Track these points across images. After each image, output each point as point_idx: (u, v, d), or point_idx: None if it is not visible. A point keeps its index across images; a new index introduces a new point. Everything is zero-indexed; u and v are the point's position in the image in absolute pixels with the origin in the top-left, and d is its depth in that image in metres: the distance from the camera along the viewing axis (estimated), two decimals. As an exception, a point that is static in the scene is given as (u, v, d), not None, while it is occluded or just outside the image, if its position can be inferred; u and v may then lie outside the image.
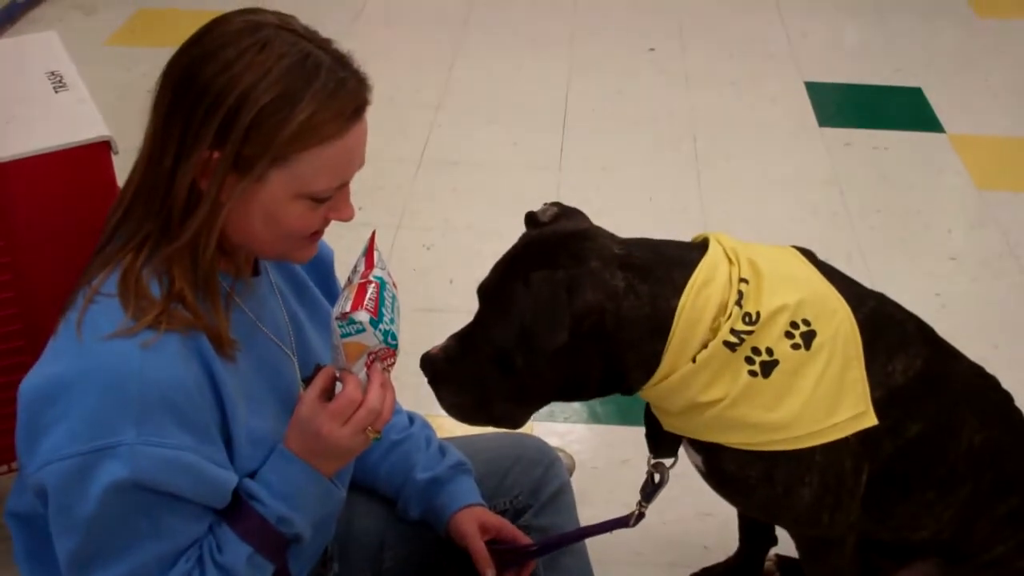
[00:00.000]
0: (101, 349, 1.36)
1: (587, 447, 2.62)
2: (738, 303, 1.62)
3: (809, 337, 1.65)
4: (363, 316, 1.44)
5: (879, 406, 1.69)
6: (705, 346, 1.61)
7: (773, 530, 2.22)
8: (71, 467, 1.36)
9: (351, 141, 1.43)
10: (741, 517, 2.20)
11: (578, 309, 1.58)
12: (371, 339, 1.46)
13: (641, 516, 1.88)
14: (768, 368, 1.62)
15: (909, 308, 1.82)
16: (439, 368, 1.69)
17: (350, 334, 1.45)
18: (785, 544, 2.23)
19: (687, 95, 4.40)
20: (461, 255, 3.38)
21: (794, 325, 1.64)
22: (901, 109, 4.38)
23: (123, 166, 1.54)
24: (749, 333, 1.61)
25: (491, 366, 1.65)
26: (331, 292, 1.75)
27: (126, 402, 1.35)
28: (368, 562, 1.84)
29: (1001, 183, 3.88)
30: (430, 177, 3.76)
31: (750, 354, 1.62)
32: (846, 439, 1.68)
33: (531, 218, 1.75)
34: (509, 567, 1.84)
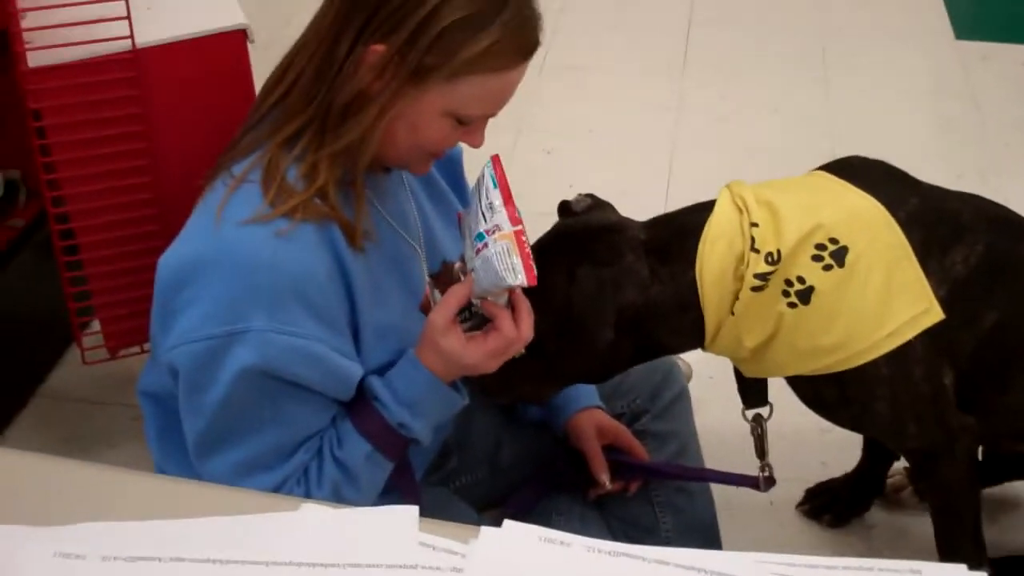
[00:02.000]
0: (237, 234, 1.37)
1: (703, 356, 2.58)
2: (753, 249, 1.61)
3: (841, 254, 1.62)
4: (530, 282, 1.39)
5: (945, 303, 1.65)
6: (738, 297, 1.62)
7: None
8: (203, 349, 1.39)
9: (515, 77, 1.43)
10: (864, 429, 2.16)
11: (620, 306, 1.62)
12: None
13: (771, 480, 1.87)
14: (806, 296, 1.62)
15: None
16: None
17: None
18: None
19: (817, 4, 4.25)
20: (580, 160, 3.34)
21: (820, 247, 1.62)
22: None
23: (261, 59, 1.54)
24: (772, 272, 1.60)
25: (533, 351, 1.58)
26: (460, 189, 1.75)
27: (258, 289, 1.36)
28: (486, 459, 1.86)
29: None
30: (551, 82, 3.70)
31: (784, 287, 1.62)
32: (910, 346, 1.65)
33: (564, 207, 1.76)
34: (623, 475, 1.84)
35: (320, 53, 1.42)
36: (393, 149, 1.46)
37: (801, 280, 1.62)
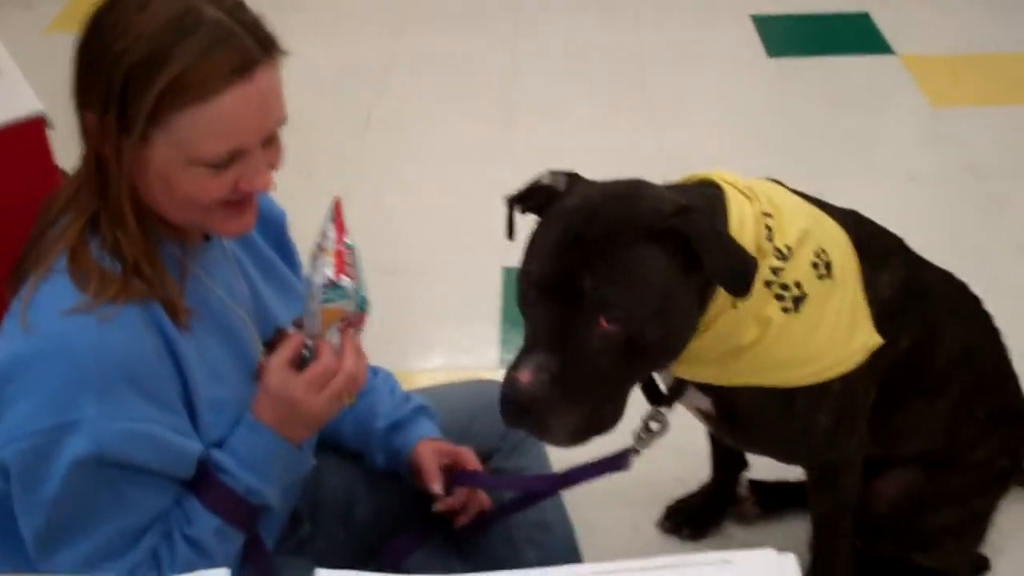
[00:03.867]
0: (58, 325, 1.35)
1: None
2: (768, 239, 1.54)
3: (829, 265, 1.60)
4: (347, 282, 1.46)
5: (874, 323, 1.66)
6: None
7: (744, 456, 2.22)
8: (33, 445, 1.35)
9: (236, 101, 1.35)
10: (714, 445, 2.20)
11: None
12: (350, 305, 1.47)
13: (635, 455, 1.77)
14: (799, 302, 1.56)
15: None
16: (547, 394, 1.41)
17: (332, 300, 1.46)
18: (756, 469, 2.25)
19: (636, 34, 4.37)
20: (415, 213, 3.35)
21: (817, 254, 1.59)
22: (849, 34, 4.36)
23: (68, 151, 1.52)
24: (782, 269, 1.54)
25: (614, 358, 1.43)
26: (285, 254, 1.74)
27: (85, 376, 1.34)
28: (339, 518, 1.83)
29: (955, 99, 3.87)
30: (380, 139, 3.72)
31: (780, 291, 1.55)
32: (859, 364, 1.66)
33: (545, 191, 1.55)
34: (467, 483, 1.82)
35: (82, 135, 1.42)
36: (166, 210, 1.43)
37: (799, 286, 1.56)
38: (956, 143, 3.62)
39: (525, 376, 1.41)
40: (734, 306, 1.52)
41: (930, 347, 1.80)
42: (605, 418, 1.48)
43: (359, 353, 1.51)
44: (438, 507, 1.80)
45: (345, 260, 1.46)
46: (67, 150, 1.57)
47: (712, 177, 1.61)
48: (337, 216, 1.51)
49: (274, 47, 1.40)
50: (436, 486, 1.76)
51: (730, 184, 1.59)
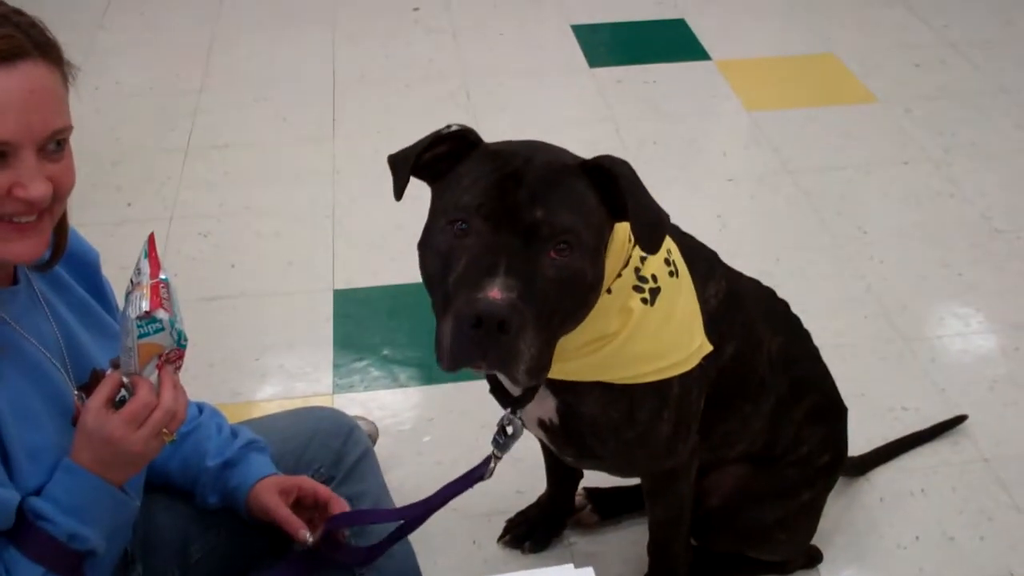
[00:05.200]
0: None
1: (391, 411, 2.60)
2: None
3: (675, 266, 1.65)
4: (163, 315, 1.44)
5: (705, 331, 1.70)
6: (619, 275, 1.56)
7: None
8: None
9: None
10: (547, 457, 2.20)
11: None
12: (167, 339, 1.45)
13: (496, 462, 1.75)
14: (654, 295, 1.59)
15: (693, 232, 1.84)
16: (517, 312, 1.38)
17: (148, 334, 1.44)
18: (591, 477, 2.26)
19: (456, 51, 4.37)
20: (240, 239, 3.28)
21: (667, 251, 1.63)
22: (667, 41, 4.45)
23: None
24: (645, 259, 1.57)
25: (560, 291, 1.44)
26: (100, 294, 1.70)
27: None
28: (174, 558, 1.78)
29: (769, 103, 3.99)
30: (200, 164, 3.64)
31: (638, 282, 1.58)
32: (692, 369, 1.69)
33: (463, 135, 1.55)
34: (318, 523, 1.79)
35: None
36: None
37: (655, 278, 1.59)
38: (771, 144, 3.73)
39: (496, 293, 1.38)
40: (608, 291, 1.55)
41: (751, 353, 1.85)
42: (546, 361, 1.47)
43: (178, 388, 1.49)
44: (303, 548, 1.76)
45: (160, 294, 1.44)
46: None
47: None
48: (151, 251, 1.49)
49: (49, 49, 1.38)
50: (303, 533, 1.74)
51: None
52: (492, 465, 1.75)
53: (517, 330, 1.38)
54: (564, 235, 1.42)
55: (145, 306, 1.43)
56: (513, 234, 1.42)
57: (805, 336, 2.01)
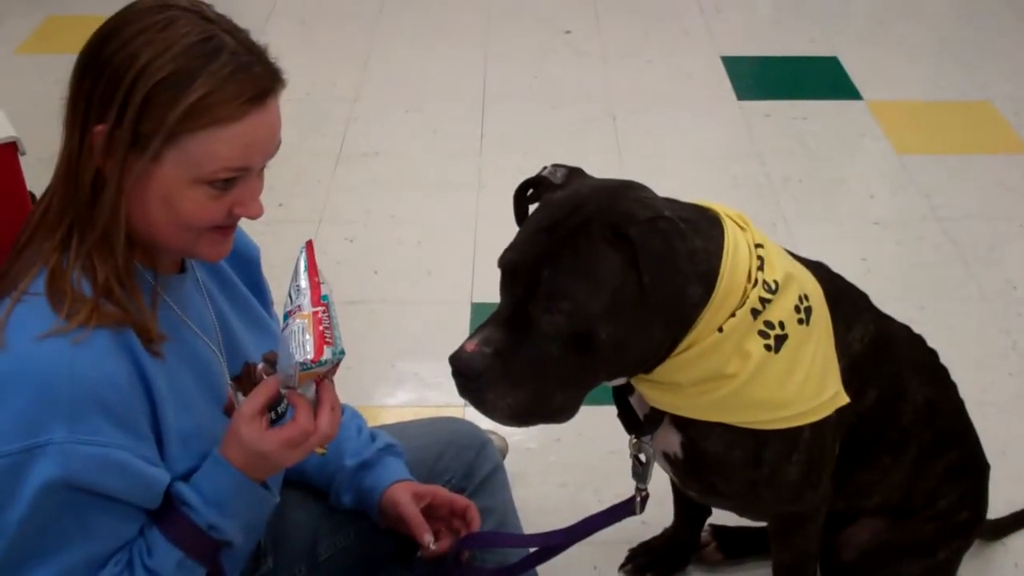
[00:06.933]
0: (30, 348, 1.34)
1: (520, 429, 2.60)
2: (760, 268, 1.56)
3: (809, 312, 1.61)
4: (327, 355, 1.42)
5: (844, 377, 1.67)
6: (733, 315, 1.54)
7: (708, 503, 2.21)
8: (1, 467, 1.33)
9: (250, 127, 1.39)
10: (676, 491, 2.19)
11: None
12: (327, 366, 1.44)
13: (646, 499, 1.81)
14: (780, 343, 1.56)
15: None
16: (487, 366, 1.48)
17: (310, 368, 1.43)
18: (719, 514, 2.23)
19: (605, 75, 4.39)
20: (384, 246, 3.34)
21: (800, 298, 1.60)
22: (818, 79, 4.40)
23: (37, 174, 1.50)
24: (769, 301, 1.55)
25: (562, 348, 1.47)
26: (259, 290, 1.74)
27: (56, 400, 1.33)
28: (303, 555, 1.82)
29: (920, 147, 3.91)
30: (350, 170, 3.72)
31: (763, 328, 1.56)
32: (829, 415, 1.66)
33: (540, 182, 1.60)
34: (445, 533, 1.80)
35: (64, 155, 1.41)
36: (160, 232, 1.43)
37: (782, 325, 1.56)
38: (920, 190, 3.66)
39: (470, 346, 1.49)
40: (720, 329, 1.54)
41: (895, 402, 1.81)
42: (554, 407, 1.54)
43: (336, 410, 1.49)
44: (425, 554, 1.78)
45: (322, 326, 1.42)
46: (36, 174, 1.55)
47: (707, 204, 1.64)
48: (311, 261, 1.49)
49: (280, 78, 1.43)
50: (427, 537, 1.76)
51: (723, 211, 1.62)
52: (638, 499, 1.79)
53: (485, 383, 1.48)
54: (558, 298, 1.46)
55: (310, 351, 1.41)
56: (524, 289, 1.49)
57: (952, 387, 1.96)
